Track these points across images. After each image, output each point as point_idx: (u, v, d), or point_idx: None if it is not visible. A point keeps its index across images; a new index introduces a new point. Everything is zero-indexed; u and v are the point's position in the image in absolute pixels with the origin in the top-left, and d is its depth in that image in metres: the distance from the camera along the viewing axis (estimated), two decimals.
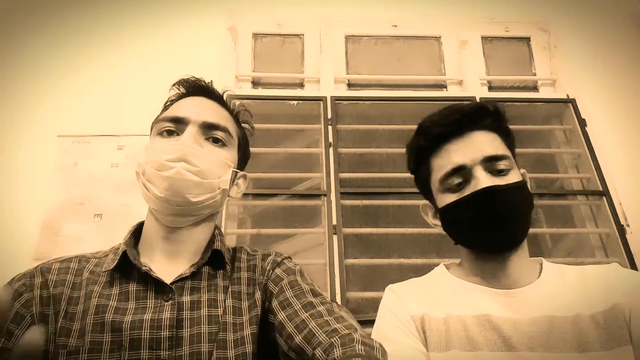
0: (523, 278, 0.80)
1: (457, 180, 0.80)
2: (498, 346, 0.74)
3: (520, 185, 0.79)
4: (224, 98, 0.88)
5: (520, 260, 0.81)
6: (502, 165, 0.79)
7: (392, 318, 0.81)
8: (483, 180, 0.77)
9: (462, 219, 0.80)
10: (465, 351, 0.75)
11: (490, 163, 0.79)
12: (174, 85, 0.86)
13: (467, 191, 0.78)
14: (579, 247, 1.77)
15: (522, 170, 0.83)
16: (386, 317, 0.83)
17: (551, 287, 0.80)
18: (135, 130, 1.74)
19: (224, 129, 0.80)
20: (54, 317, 0.69)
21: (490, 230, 0.77)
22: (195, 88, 0.86)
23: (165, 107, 0.85)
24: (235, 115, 0.89)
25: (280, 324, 0.70)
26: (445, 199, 0.82)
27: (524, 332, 0.75)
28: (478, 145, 0.80)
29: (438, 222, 0.87)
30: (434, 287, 0.85)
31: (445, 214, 0.83)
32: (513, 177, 0.79)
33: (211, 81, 0.87)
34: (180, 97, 0.85)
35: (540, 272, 0.83)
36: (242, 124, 0.91)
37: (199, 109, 0.80)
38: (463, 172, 0.79)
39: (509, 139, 0.85)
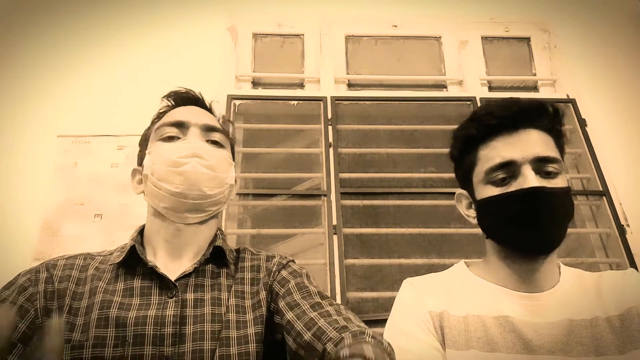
0: (547, 282, 0.80)
1: (503, 174, 0.78)
2: (517, 349, 0.74)
3: (567, 191, 0.78)
4: (212, 109, 0.92)
5: (549, 265, 0.80)
6: (551, 167, 0.77)
7: (409, 312, 0.80)
8: (531, 179, 0.75)
9: (502, 215, 0.78)
10: (484, 352, 0.74)
11: (540, 164, 0.77)
12: (164, 97, 0.89)
13: (512, 187, 0.77)
14: (579, 247, 1.77)
15: (568, 177, 0.81)
16: (403, 311, 0.82)
17: (570, 291, 0.79)
18: (135, 130, 1.70)
19: (221, 131, 0.85)
20: (57, 312, 0.70)
21: (530, 231, 0.76)
22: (185, 99, 0.89)
23: (157, 119, 0.87)
24: (222, 125, 0.92)
25: (288, 322, 0.70)
26: (487, 192, 0.80)
27: (544, 335, 0.74)
28: (531, 143, 0.78)
29: (472, 213, 0.85)
30: (453, 284, 0.84)
31: (485, 207, 0.81)
32: (560, 182, 0.77)
33: (200, 92, 0.91)
34: (171, 108, 0.88)
35: (559, 275, 0.82)
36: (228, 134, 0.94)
37: (196, 114, 0.85)
38: (511, 167, 0.77)
39: (561, 142, 0.83)
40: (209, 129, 0.83)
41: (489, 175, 0.79)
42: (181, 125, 0.81)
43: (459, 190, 0.89)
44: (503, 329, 0.76)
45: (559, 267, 0.84)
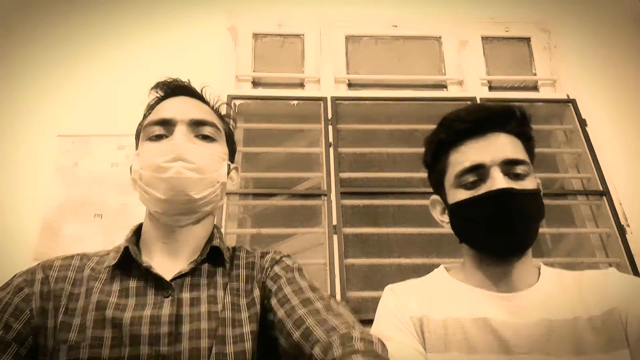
0: (523, 282, 0.80)
1: (472, 177, 0.79)
2: (496, 350, 0.74)
3: (536, 193, 0.79)
4: (203, 94, 0.88)
5: (523, 266, 0.81)
6: (520, 169, 0.79)
7: (391, 318, 0.81)
8: (499, 181, 0.76)
9: (473, 218, 0.79)
10: (464, 354, 0.75)
11: (508, 166, 0.78)
12: (152, 89, 0.86)
13: (482, 190, 0.78)
14: (579, 247, 1.77)
15: (538, 180, 0.83)
16: (385, 317, 0.82)
17: (549, 291, 0.80)
18: (136, 130, 1.74)
19: (212, 124, 0.81)
20: (53, 312, 0.69)
21: (500, 232, 0.77)
22: (174, 89, 0.86)
23: (148, 112, 0.85)
24: (217, 111, 0.89)
25: (279, 321, 0.70)
26: (458, 195, 0.81)
27: (523, 335, 0.74)
28: (499, 146, 0.80)
29: (445, 219, 0.86)
30: (433, 289, 0.85)
31: (456, 211, 0.82)
32: (529, 184, 0.79)
33: (188, 80, 0.87)
34: (160, 99, 0.85)
35: (539, 276, 0.83)
36: (225, 118, 0.91)
37: (183, 108, 0.81)
38: (480, 170, 0.79)
39: (530, 145, 0.85)
40: (197, 123, 0.79)
41: (459, 179, 0.81)
42: (167, 123, 0.78)
43: (432, 197, 0.90)
44: (481, 330, 0.76)
45: (539, 268, 0.84)
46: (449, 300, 0.81)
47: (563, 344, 0.73)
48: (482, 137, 0.81)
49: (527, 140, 0.84)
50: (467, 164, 0.80)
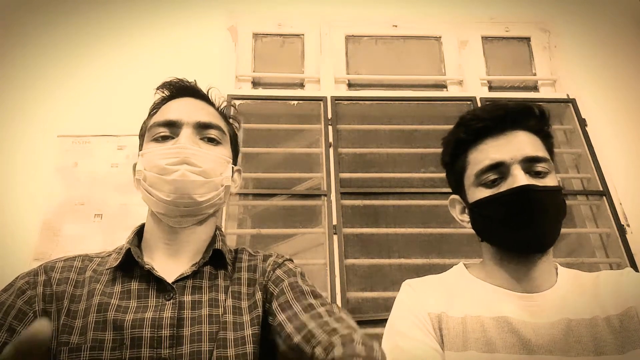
0: (544, 282, 0.80)
1: (493, 176, 0.79)
2: (516, 349, 0.74)
3: (558, 190, 0.79)
4: (209, 96, 0.88)
5: (545, 265, 0.81)
6: (540, 167, 0.78)
7: (408, 314, 0.80)
8: (521, 178, 0.76)
9: (494, 216, 0.79)
10: (482, 352, 0.74)
11: (529, 164, 0.78)
12: (157, 88, 0.85)
13: (503, 188, 0.77)
14: (579, 247, 1.77)
15: (558, 178, 0.82)
16: (401, 313, 0.82)
17: (568, 291, 0.79)
18: (136, 130, 1.69)
19: (217, 127, 0.82)
20: (56, 315, 0.69)
21: (522, 230, 0.76)
22: (180, 89, 0.86)
23: (152, 112, 0.85)
24: (222, 112, 0.89)
25: (279, 325, 0.70)
26: (479, 194, 0.81)
27: (543, 335, 0.74)
28: (519, 144, 0.79)
29: (465, 218, 0.86)
30: (452, 286, 0.84)
31: (477, 209, 0.82)
32: (550, 181, 0.78)
33: (195, 80, 0.87)
34: (166, 99, 0.85)
35: (557, 276, 0.82)
36: (229, 120, 0.91)
37: (189, 110, 0.81)
38: (501, 169, 0.78)
39: (549, 143, 0.84)
40: (203, 126, 0.79)
41: (479, 178, 0.81)
42: (173, 125, 0.78)
43: (452, 196, 0.90)
44: (502, 329, 0.76)
45: (557, 268, 0.84)
46: (468, 298, 0.81)
47: (582, 343, 0.73)
48: (501, 135, 0.81)
49: (546, 137, 0.84)
50: (487, 162, 0.79)
